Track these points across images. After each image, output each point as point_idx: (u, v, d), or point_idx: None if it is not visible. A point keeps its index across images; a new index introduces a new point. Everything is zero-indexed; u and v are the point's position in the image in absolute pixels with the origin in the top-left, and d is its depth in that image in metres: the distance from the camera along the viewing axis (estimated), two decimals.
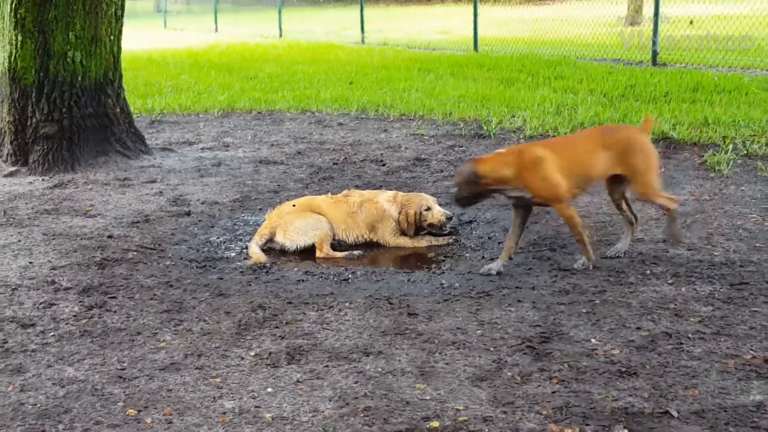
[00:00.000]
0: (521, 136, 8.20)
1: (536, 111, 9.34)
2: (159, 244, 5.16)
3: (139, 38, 22.42)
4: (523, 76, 12.42)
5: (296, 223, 5.14)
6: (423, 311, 3.96)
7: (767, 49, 12.85)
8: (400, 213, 5.32)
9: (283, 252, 5.11)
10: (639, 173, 4.44)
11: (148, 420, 2.96)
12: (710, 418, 2.89)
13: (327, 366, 3.38)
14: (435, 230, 5.34)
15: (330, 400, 3.09)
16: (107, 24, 7.34)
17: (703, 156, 6.94)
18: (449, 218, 5.29)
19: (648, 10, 16.30)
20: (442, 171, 6.99)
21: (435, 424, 2.90)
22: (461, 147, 7.90)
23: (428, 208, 5.29)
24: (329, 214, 5.27)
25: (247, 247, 5.09)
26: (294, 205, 5.35)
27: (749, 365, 3.27)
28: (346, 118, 9.83)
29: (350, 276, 4.58)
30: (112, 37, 7.42)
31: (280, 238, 5.13)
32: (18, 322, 3.88)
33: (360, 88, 11.92)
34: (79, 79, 7.19)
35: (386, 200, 5.40)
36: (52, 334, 3.75)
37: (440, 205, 5.41)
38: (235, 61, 16.59)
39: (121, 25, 7.58)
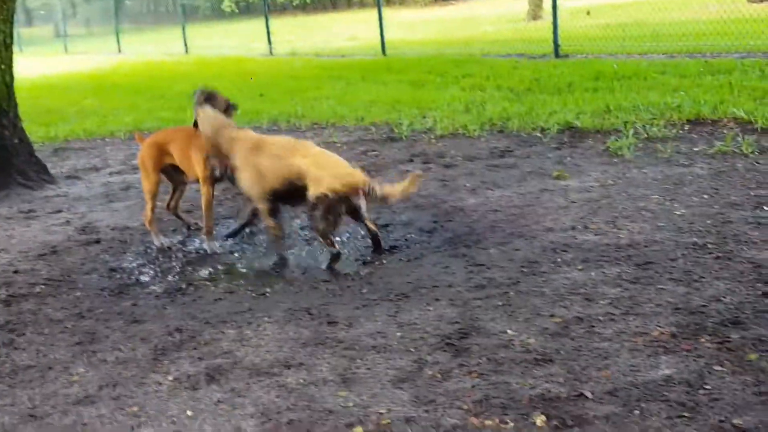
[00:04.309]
0: (432, 137, 8.28)
1: (446, 110, 9.45)
2: (68, 275, 5.01)
3: (40, 65, 21.78)
4: (432, 77, 12.56)
5: None
6: (343, 318, 3.95)
7: (663, 34, 13.35)
8: None
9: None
10: None
11: None
12: (623, 395, 2.96)
13: (248, 383, 3.34)
14: None
15: (252, 417, 3.05)
16: None
17: (606, 142, 7.14)
18: None
19: (547, 3, 16.76)
20: None
21: (358, 429, 2.89)
22: (374, 151, 7.93)
23: None
24: None
25: (161, 272, 4.98)
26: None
27: (657, 341, 3.37)
28: (258, 131, 9.71)
29: (268, 291, 4.54)
30: (3, 66, 7.19)
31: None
32: None
33: (270, 100, 11.85)
34: None
35: None
36: None
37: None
38: (141, 81, 16.28)
39: (12, 53, 7.33)
